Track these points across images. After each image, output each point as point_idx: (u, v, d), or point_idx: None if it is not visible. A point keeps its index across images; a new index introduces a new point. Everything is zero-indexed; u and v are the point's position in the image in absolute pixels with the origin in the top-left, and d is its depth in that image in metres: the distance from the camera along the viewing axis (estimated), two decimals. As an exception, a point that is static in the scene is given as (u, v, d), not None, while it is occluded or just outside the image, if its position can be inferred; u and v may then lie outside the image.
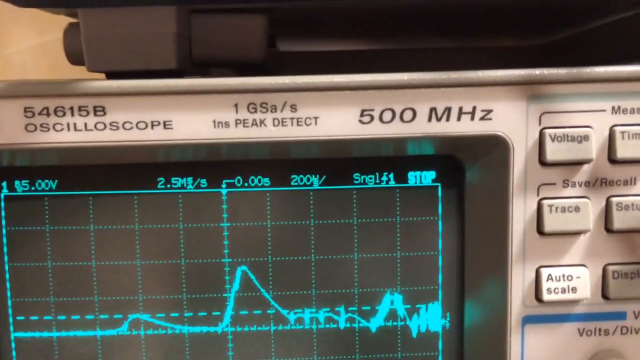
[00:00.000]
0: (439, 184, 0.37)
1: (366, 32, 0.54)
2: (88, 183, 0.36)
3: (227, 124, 0.32)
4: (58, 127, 0.31)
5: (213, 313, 0.37)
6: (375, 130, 0.32)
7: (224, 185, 0.36)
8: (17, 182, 0.36)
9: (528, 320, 0.33)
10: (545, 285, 0.33)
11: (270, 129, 0.32)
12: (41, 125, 0.31)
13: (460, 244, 0.37)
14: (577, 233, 0.33)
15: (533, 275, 0.33)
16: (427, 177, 0.37)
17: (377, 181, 0.37)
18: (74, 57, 0.40)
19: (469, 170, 0.36)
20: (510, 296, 0.33)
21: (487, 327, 0.35)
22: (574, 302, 0.33)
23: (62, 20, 0.40)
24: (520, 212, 0.33)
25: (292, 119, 0.32)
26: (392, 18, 0.48)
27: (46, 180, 0.36)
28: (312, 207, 0.37)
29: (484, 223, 0.34)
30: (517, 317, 0.33)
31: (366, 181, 0.37)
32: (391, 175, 0.37)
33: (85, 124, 0.31)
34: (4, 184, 0.36)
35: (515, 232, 0.33)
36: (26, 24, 0.62)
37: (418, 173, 0.37)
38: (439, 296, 0.37)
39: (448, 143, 0.34)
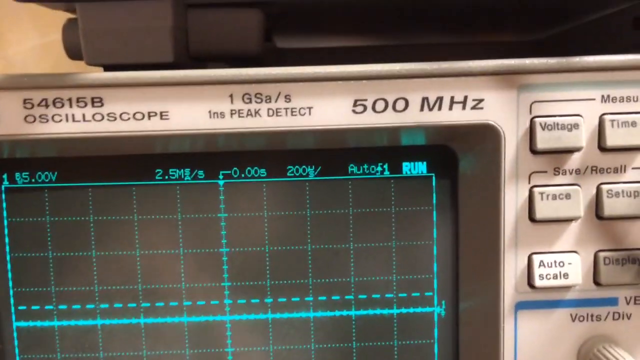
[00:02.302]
0: (433, 174, 0.37)
1: (363, 28, 0.55)
2: (87, 175, 0.36)
3: (222, 115, 0.32)
4: (57, 118, 0.32)
5: (211, 302, 0.38)
6: (369, 119, 0.33)
7: (220, 176, 0.37)
8: (17, 174, 0.36)
9: (521, 306, 0.34)
10: (537, 271, 0.33)
11: (265, 119, 0.32)
12: (40, 117, 0.32)
13: (454, 233, 0.37)
14: (569, 220, 0.33)
15: (525, 261, 0.34)
16: (422, 167, 0.38)
17: (372, 171, 0.37)
18: (73, 52, 0.40)
19: (462, 160, 0.36)
20: (503, 283, 0.34)
21: (481, 313, 0.35)
22: (566, 288, 0.33)
23: (63, 20, 0.40)
24: (512, 199, 0.33)
25: (286, 109, 0.32)
26: (389, 14, 0.49)
27: (46, 172, 0.36)
28: (308, 197, 0.37)
29: (477, 211, 0.35)
30: (510, 303, 0.34)
31: (361, 171, 0.37)
32: (386, 166, 0.37)
33: (84, 115, 0.32)
34: (5, 175, 0.36)
35: (507, 220, 0.33)
36: (27, 25, 0.62)
37: (412, 163, 0.37)
38: (435, 284, 0.38)
39: (441, 132, 0.34)
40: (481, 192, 0.35)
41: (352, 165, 0.37)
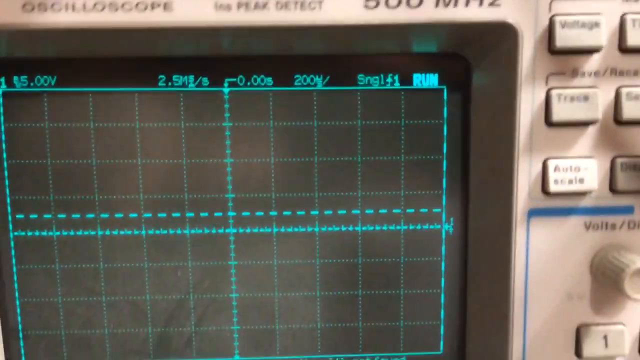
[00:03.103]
0: (444, 87, 0.36)
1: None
2: (88, 79, 0.35)
3: (229, 7, 0.31)
4: (56, 7, 0.30)
5: (215, 214, 0.37)
6: (381, 15, 0.31)
7: (226, 84, 0.36)
8: (15, 78, 0.35)
9: (534, 213, 0.33)
10: (552, 176, 0.32)
11: (272, 13, 0.31)
12: (39, 5, 0.30)
13: (465, 148, 0.36)
14: (586, 123, 0.32)
15: (540, 167, 0.32)
16: (433, 79, 0.36)
17: (382, 83, 0.36)
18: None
19: (475, 67, 0.35)
20: (516, 189, 0.33)
21: (492, 223, 0.34)
22: (581, 194, 0.32)
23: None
24: (529, 103, 0.32)
25: (295, 2, 0.31)
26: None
27: (45, 76, 0.35)
28: (315, 108, 0.36)
29: (491, 117, 0.34)
30: (522, 211, 0.33)
31: (371, 82, 0.36)
32: (396, 77, 0.36)
33: (84, 4, 0.30)
34: (2, 79, 0.35)
35: (522, 124, 0.32)
36: None
37: (423, 75, 0.36)
38: (443, 201, 0.37)
39: (454, 37, 0.33)
40: (496, 97, 0.33)
41: (361, 75, 0.36)
